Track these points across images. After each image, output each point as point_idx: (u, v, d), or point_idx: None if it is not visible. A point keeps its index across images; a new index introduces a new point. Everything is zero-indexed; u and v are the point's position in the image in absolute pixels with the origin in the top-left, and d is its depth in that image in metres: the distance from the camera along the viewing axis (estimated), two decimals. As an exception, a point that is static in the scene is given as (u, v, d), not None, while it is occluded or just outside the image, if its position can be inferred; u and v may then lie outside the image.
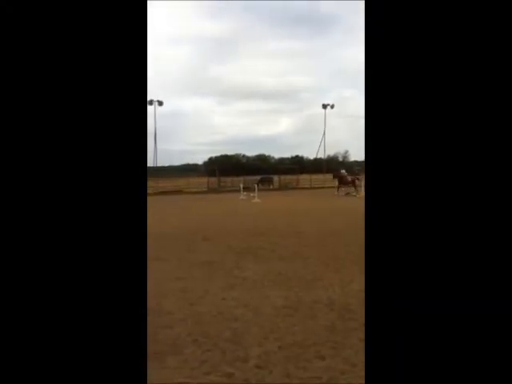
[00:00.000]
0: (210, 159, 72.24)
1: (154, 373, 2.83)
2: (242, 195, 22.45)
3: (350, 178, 23.82)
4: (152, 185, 34.19)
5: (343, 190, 23.14)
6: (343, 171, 25.08)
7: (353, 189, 22.91)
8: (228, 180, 34.31)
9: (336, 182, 24.40)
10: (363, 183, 20.29)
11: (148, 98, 42.38)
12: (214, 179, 33.74)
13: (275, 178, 34.99)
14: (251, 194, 21.73)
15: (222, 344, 3.28)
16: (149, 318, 3.86)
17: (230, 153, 79.45)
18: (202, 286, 4.95)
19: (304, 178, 36.66)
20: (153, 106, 40.71)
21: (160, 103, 41.33)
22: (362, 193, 20.45)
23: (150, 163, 43.12)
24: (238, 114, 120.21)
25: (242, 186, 25.97)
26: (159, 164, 46.55)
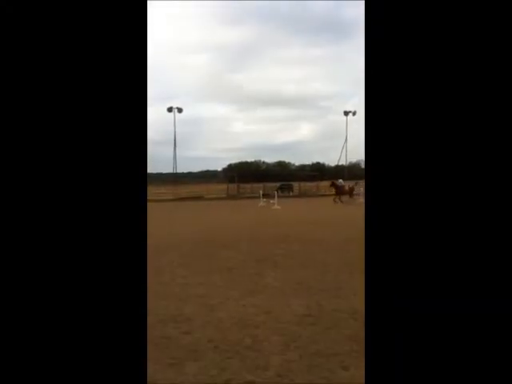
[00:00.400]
0: (230, 166, 72.47)
1: (173, 378, 2.81)
2: (262, 202, 22.42)
3: (347, 187, 24.53)
4: (172, 191, 34.50)
5: (339, 198, 23.24)
6: (340, 181, 25.73)
7: (346, 197, 23.37)
8: (247, 186, 34.35)
9: (333, 191, 24.61)
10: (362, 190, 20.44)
11: (168, 105, 43.03)
12: (233, 186, 33.84)
13: (295, 184, 34.88)
14: (271, 201, 21.68)
15: (243, 351, 3.24)
16: (169, 324, 3.88)
17: (249, 159, 79.67)
18: (223, 293, 4.92)
19: (325, 185, 36.43)
20: (172, 113, 41.18)
21: (180, 110, 41.80)
22: (360, 200, 20.74)
23: (169, 170, 43.60)
24: (258, 121, 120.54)
25: (261, 192, 25.96)
26: (179, 170, 46.96)
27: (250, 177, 41.19)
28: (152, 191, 39.38)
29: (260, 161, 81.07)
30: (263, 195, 24.95)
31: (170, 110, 41.20)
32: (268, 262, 6.68)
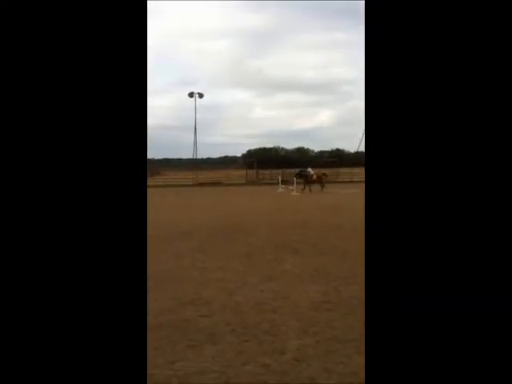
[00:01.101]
0: (249, 152, 72.41)
1: (191, 359, 2.88)
2: (281, 188, 22.43)
3: (315, 176, 23.49)
4: (192, 176, 34.75)
5: (307, 187, 22.41)
6: (309, 169, 24.65)
7: (311, 186, 22.39)
8: (266, 173, 34.36)
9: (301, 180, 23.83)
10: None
11: (188, 91, 42.97)
12: (252, 172, 33.89)
13: (314, 171, 34.71)
14: (289, 187, 21.65)
15: (260, 335, 3.29)
16: (188, 307, 3.96)
17: (268, 145, 79.44)
18: (241, 277, 4.98)
19: (344, 172, 36.15)
20: (193, 99, 41.20)
21: (201, 95, 41.74)
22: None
23: (189, 155, 43.84)
24: (278, 107, 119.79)
25: (280, 178, 25.93)
26: (199, 156, 47.16)
27: (269, 163, 41.11)
28: (172, 176, 39.79)
29: (279, 147, 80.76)
30: (282, 181, 24.93)
31: (191, 95, 41.17)
32: (286, 248, 6.71)
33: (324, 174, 24.28)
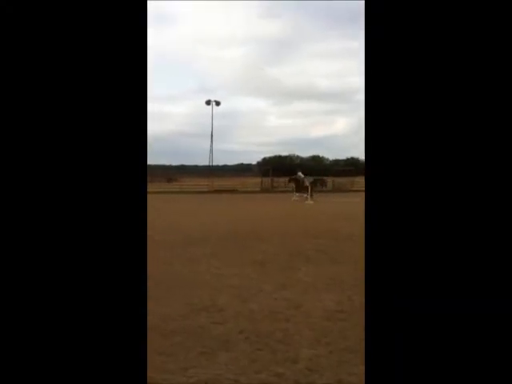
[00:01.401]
0: (264, 159, 72.56)
1: (205, 366, 2.88)
2: (295, 196, 22.35)
3: (307, 183, 22.60)
4: (207, 183, 34.91)
5: (298, 195, 21.81)
6: (300, 174, 23.77)
7: (305, 195, 21.41)
8: (281, 180, 34.29)
9: (293, 187, 23.21)
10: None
11: (205, 98, 43.35)
12: (267, 179, 33.91)
13: (329, 179, 34.56)
14: (304, 195, 21.58)
15: (273, 344, 3.28)
16: (202, 313, 3.97)
17: (283, 153, 79.55)
18: (255, 285, 4.97)
19: (359, 181, 35.90)
20: (210, 106, 41.50)
21: (217, 103, 42.05)
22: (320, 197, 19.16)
23: (205, 162, 44.02)
24: (293, 115, 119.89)
25: (294, 187, 25.85)
26: (215, 163, 47.36)
27: (284, 171, 41.05)
28: (188, 183, 40.04)
29: (294, 155, 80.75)
30: (296, 190, 24.84)
31: (208, 103, 41.49)
32: (300, 257, 6.69)
33: (314, 181, 23.73)
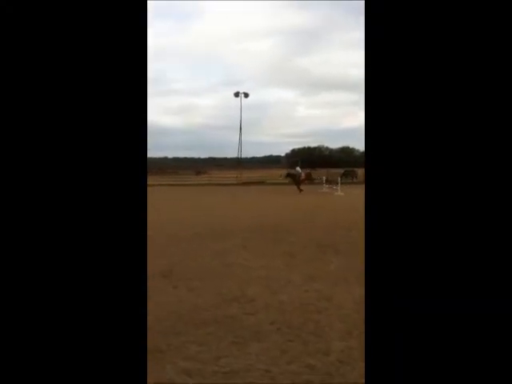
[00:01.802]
0: (293, 151, 72.28)
1: (236, 356, 2.92)
2: (325, 188, 22.20)
3: (303, 175, 22.75)
4: (236, 175, 35.09)
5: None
6: (297, 168, 23.86)
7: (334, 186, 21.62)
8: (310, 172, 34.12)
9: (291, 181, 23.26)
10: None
11: (233, 91, 43.40)
12: (306, 171, 33.79)
13: (359, 171, 34.12)
14: (334, 187, 21.40)
15: (304, 335, 3.28)
16: (233, 304, 4.01)
17: (312, 145, 78.98)
18: (285, 276, 4.98)
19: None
20: (238, 99, 41.53)
21: (246, 95, 42.02)
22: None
23: (234, 154, 44.23)
24: (323, 106, 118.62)
25: (324, 178, 25.69)
26: (243, 155, 47.50)
27: (313, 162, 40.81)
28: (217, 175, 40.34)
29: (323, 146, 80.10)
30: (326, 181, 24.68)
31: (236, 94, 41.53)
32: (330, 249, 6.65)
33: (309, 173, 24.06)
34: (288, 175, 23.82)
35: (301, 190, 21.26)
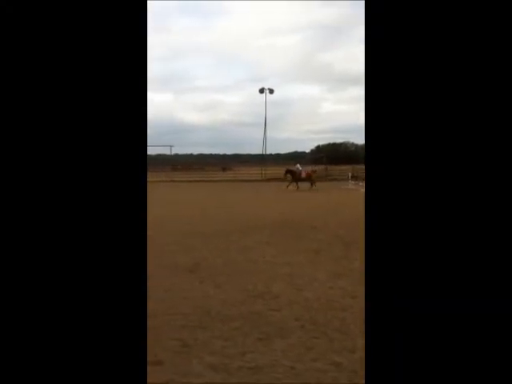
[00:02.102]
0: (318, 147, 71.75)
1: (262, 352, 2.94)
2: (350, 184, 22.00)
3: (304, 173, 22.75)
4: (261, 172, 35.14)
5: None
6: (298, 166, 23.83)
7: (308, 183, 21.69)
8: (336, 168, 33.86)
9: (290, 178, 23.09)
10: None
11: (258, 87, 43.31)
12: (321, 167, 33.54)
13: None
14: (360, 183, 21.18)
15: (329, 332, 3.28)
16: (258, 300, 4.04)
17: (338, 141, 78.22)
18: (309, 273, 4.98)
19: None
20: (263, 95, 41.43)
21: (271, 91, 41.88)
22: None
23: (259, 151, 44.21)
24: (348, 101, 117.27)
25: (350, 174, 25.44)
26: (268, 152, 47.44)
27: (339, 158, 40.44)
28: (242, 171, 40.48)
29: (349, 142, 79.18)
30: (352, 177, 24.45)
31: (261, 91, 41.38)
32: (355, 246, 6.59)
33: (313, 171, 24.06)
34: (287, 171, 23.84)
35: (297, 187, 21.55)
